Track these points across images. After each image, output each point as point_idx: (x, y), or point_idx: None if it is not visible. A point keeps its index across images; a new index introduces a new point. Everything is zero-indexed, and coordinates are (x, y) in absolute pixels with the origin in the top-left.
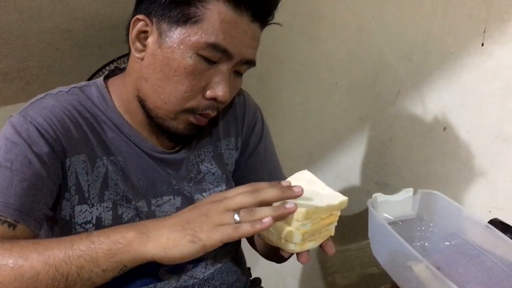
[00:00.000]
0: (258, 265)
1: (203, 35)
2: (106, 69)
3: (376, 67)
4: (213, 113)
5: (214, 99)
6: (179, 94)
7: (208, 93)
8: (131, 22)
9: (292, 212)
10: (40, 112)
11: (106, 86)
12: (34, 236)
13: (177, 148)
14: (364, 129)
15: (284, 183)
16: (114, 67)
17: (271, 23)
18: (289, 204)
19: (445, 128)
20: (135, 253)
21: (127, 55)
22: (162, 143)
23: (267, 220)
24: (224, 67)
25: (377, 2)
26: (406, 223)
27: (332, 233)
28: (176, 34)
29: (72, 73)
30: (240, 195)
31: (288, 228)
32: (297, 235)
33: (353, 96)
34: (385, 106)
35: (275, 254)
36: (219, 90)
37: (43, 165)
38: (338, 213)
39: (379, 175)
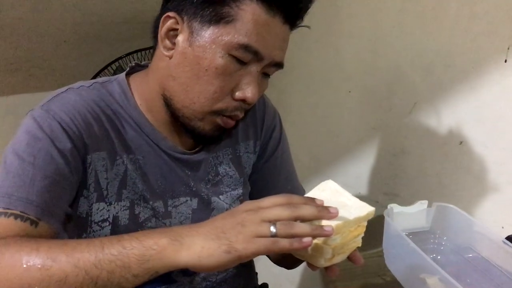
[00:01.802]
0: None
1: (236, 36)
2: (115, 65)
3: (393, 77)
4: (241, 115)
5: (243, 100)
6: (208, 94)
7: (237, 94)
8: (161, 19)
9: (329, 235)
10: (63, 107)
11: (128, 83)
12: (55, 233)
13: (196, 149)
14: (376, 139)
15: (318, 201)
16: (135, 64)
17: (299, 26)
18: (327, 228)
19: (461, 142)
20: (167, 261)
21: (136, 52)
22: (181, 143)
23: (307, 240)
24: (254, 69)
25: (398, 13)
26: (419, 235)
27: (359, 244)
28: (208, 33)
29: (77, 67)
30: (278, 207)
31: (318, 243)
32: (328, 250)
33: (367, 105)
34: (399, 117)
35: (287, 260)
36: (248, 91)
37: (66, 162)
38: (365, 224)
39: (389, 186)
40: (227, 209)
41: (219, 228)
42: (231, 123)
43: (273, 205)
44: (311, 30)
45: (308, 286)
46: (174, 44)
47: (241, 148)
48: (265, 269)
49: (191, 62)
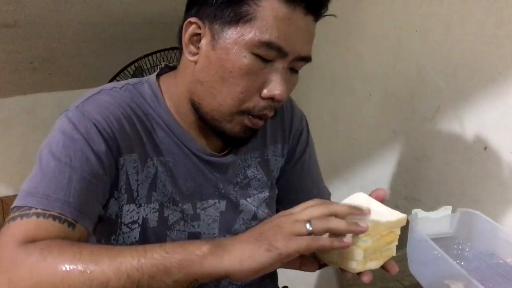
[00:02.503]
0: None
1: (257, 34)
2: (134, 66)
3: (415, 81)
4: (270, 113)
5: (271, 98)
6: (235, 95)
7: (265, 92)
8: (183, 25)
9: (364, 231)
10: (97, 109)
11: (158, 84)
12: (89, 235)
13: (225, 151)
14: (397, 143)
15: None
16: (165, 65)
17: (325, 15)
18: (363, 223)
19: (485, 148)
20: (208, 266)
21: (155, 52)
22: (211, 145)
23: (347, 240)
24: (280, 65)
25: (422, 17)
26: (443, 241)
27: (394, 253)
28: (229, 34)
29: (96, 67)
30: (309, 208)
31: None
32: (358, 251)
33: (388, 109)
34: (422, 121)
35: (311, 267)
36: (276, 88)
37: (100, 164)
38: (398, 232)
39: (409, 190)
40: (254, 212)
41: (257, 232)
42: (260, 123)
43: (306, 208)
44: (331, 33)
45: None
46: (198, 48)
47: (269, 151)
48: (279, 272)
49: (215, 65)
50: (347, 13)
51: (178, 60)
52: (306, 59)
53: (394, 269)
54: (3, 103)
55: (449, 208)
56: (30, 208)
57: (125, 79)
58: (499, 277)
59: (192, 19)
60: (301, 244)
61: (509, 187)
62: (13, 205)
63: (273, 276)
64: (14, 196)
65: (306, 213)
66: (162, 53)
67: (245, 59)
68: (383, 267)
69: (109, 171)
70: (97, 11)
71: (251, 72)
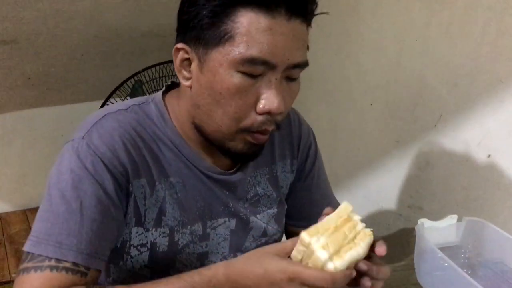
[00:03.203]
0: None
1: (239, 51)
2: (133, 80)
3: (417, 90)
4: (271, 127)
5: (268, 112)
6: (230, 115)
7: (260, 107)
8: (173, 53)
9: None
10: (103, 138)
11: (165, 103)
12: (100, 273)
13: (234, 169)
14: (399, 152)
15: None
16: (171, 82)
17: (317, 14)
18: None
19: (489, 156)
20: None
21: (155, 66)
22: (219, 163)
23: None
24: (272, 77)
25: (422, 26)
26: (449, 250)
27: (371, 236)
28: (214, 56)
29: (93, 81)
30: (309, 275)
31: (305, 250)
32: (320, 252)
33: (389, 118)
34: (424, 130)
35: None
36: (271, 102)
37: (111, 201)
38: (356, 217)
39: (413, 199)
40: (264, 228)
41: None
42: (262, 138)
43: (315, 281)
44: (331, 42)
45: None
46: (190, 72)
47: (278, 167)
48: None
49: (206, 88)
50: (347, 22)
51: (170, 72)
52: (301, 65)
53: (380, 250)
54: (1, 119)
55: (455, 217)
56: (44, 259)
57: (125, 93)
58: (507, 285)
59: (179, 45)
60: None
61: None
62: (26, 248)
63: None
64: (13, 213)
65: (305, 279)
66: (162, 66)
67: (233, 78)
68: (372, 251)
69: (120, 206)
70: (95, 26)
71: (241, 91)
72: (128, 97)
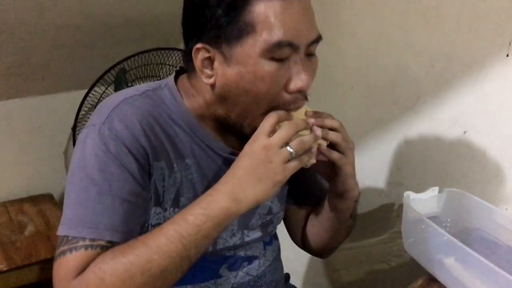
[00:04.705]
0: None
1: (264, 39)
2: (117, 68)
3: (396, 73)
4: (303, 103)
5: (299, 91)
6: (262, 100)
7: (291, 87)
8: (192, 53)
9: (320, 134)
10: (122, 124)
11: (177, 88)
12: None
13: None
14: (380, 132)
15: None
16: (180, 67)
17: None
18: (317, 131)
19: (465, 132)
20: (234, 216)
21: (137, 54)
22: (229, 143)
23: (315, 149)
24: (297, 58)
25: (400, 11)
26: (432, 220)
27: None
28: (240, 50)
29: (75, 70)
30: (278, 132)
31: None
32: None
33: (370, 100)
34: (404, 111)
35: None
36: (301, 81)
37: (137, 182)
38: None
39: (393, 176)
40: (269, 206)
41: (255, 172)
42: None
43: (272, 131)
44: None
45: (312, 275)
46: (213, 70)
47: None
48: None
49: (235, 80)
50: (326, 8)
51: (183, 63)
52: (317, 40)
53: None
54: None
55: (436, 189)
56: (78, 240)
57: (109, 81)
58: (484, 248)
59: (199, 45)
60: (292, 169)
61: (488, 167)
62: (62, 232)
63: (281, 265)
64: None
65: (280, 138)
66: (146, 54)
67: (265, 66)
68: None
69: (145, 185)
70: (76, 15)
71: (274, 76)
72: (112, 84)
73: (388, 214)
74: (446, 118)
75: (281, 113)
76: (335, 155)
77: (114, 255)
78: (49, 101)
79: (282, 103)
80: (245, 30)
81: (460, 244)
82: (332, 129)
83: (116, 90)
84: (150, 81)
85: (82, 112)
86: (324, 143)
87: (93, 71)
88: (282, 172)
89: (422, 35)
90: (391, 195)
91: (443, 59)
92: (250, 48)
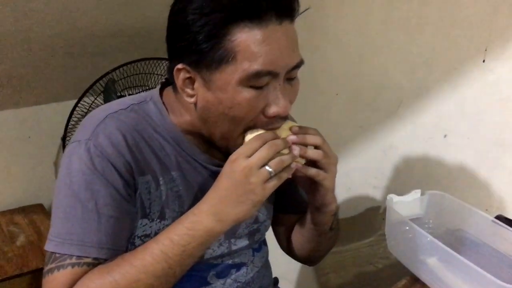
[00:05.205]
0: None
1: (242, 69)
2: (106, 79)
3: (379, 79)
4: (279, 125)
5: (276, 116)
6: (240, 123)
7: (269, 112)
8: (174, 72)
9: (297, 154)
10: (108, 140)
11: (162, 101)
12: None
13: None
14: (364, 137)
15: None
16: (165, 79)
17: (301, 12)
18: (295, 151)
19: (445, 135)
20: (217, 235)
21: (125, 64)
22: (214, 156)
23: (294, 166)
24: (276, 84)
25: (382, 21)
26: (415, 222)
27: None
28: (219, 76)
29: (63, 81)
30: (258, 152)
31: None
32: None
33: (354, 107)
34: (387, 116)
35: (312, 250)
36: (278, 107)
37: (123, 197)
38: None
39: (378, 180)
40: (256, 216)
41: (235, 194)
42: None
43: (254, 152)
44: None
45: (301, 279)
46: (194, 89)
47: None
48: None
49: (214, 104)
50: (312, 18)
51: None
52: (299, 65)
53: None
54: None
55: (419, 191)
56: (65, 258)
57: (98, 91)
58: (467, 249)
59: (180, 66)
60: (271, 188)
61: (467, 169)
62: (50, 249)
63: (269, 272)
64: None
65: (259, 159)
66: (134, 64)
67: (242, 93)
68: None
69: (130, 199)
70: (67, 25)
71: (252, 102)
72: (102, 94)
73: (374, 217)
74: (427, 123)
75: (266, 136)
76: (311, 171)
77: (101, 274)
78: (39, 111)
79: (260, 125)
80: (225, 58)
81: (442, 245)
82: (314, 145)
83: (105, 100)
84: (140, 90)
85: (72, 122)
86: (302, 161)
87: (82, 81)
88: (262, 192)
89: (403, 42)
90: (376, 198)
91: (423, 66)
92: (229, 76)
